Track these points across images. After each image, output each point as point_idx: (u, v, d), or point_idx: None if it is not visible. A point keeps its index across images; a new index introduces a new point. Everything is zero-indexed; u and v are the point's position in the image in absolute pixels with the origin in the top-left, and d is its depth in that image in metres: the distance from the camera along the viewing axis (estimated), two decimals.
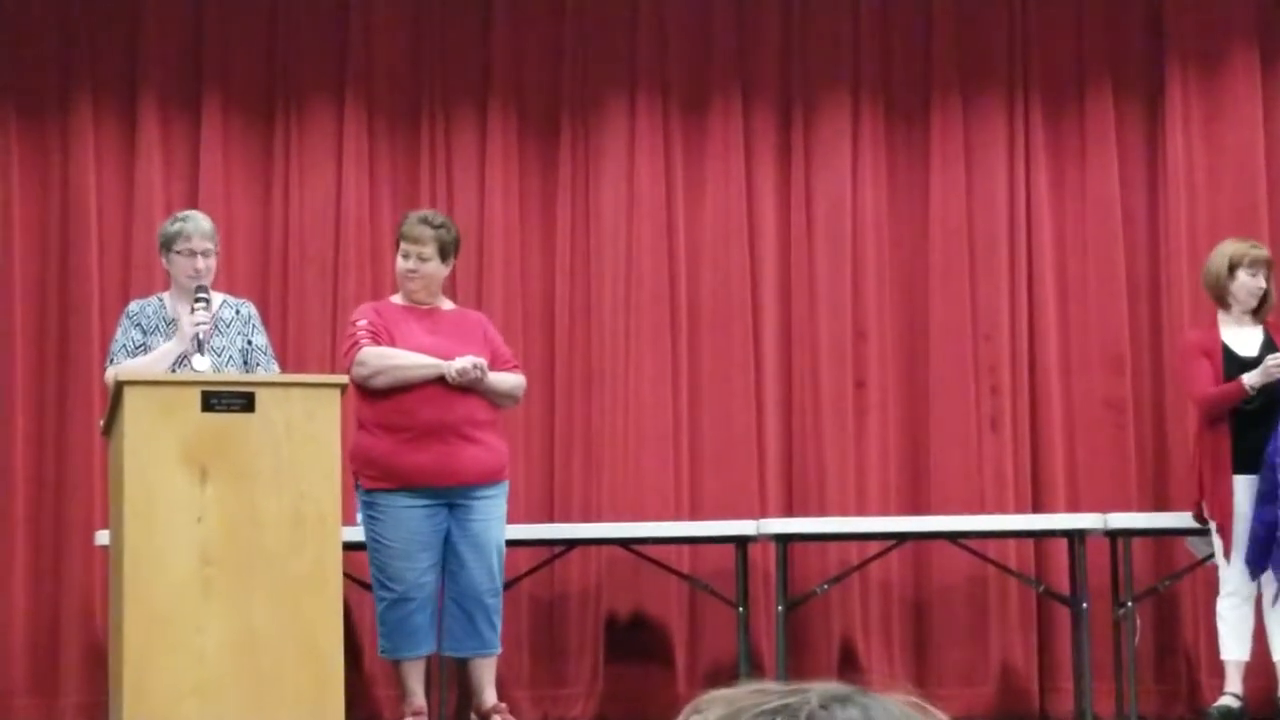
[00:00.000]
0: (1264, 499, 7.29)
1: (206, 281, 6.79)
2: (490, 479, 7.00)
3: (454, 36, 8.83)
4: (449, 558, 6.97)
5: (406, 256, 7.10)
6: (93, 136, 8.67)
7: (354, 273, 8.62)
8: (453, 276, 7.61)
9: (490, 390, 7.02)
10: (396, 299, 7.21)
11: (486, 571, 7.00)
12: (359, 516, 7.77)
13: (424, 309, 7.12)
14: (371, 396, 6.99)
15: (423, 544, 6.91)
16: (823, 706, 1.45)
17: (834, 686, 1.48)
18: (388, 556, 6.93)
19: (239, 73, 8.78)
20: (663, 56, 8.85)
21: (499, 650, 7.18)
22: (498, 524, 7.04)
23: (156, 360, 6.65)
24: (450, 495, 6.92)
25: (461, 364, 6.91)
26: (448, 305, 7.27)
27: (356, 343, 6.97)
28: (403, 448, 6.89)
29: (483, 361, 6.96)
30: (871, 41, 8.86)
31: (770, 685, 1.49)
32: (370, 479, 6.97)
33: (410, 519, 6.90)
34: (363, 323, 7.03)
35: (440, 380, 6.92)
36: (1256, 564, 7.34)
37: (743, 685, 1.50)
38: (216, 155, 8.68)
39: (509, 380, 7.15)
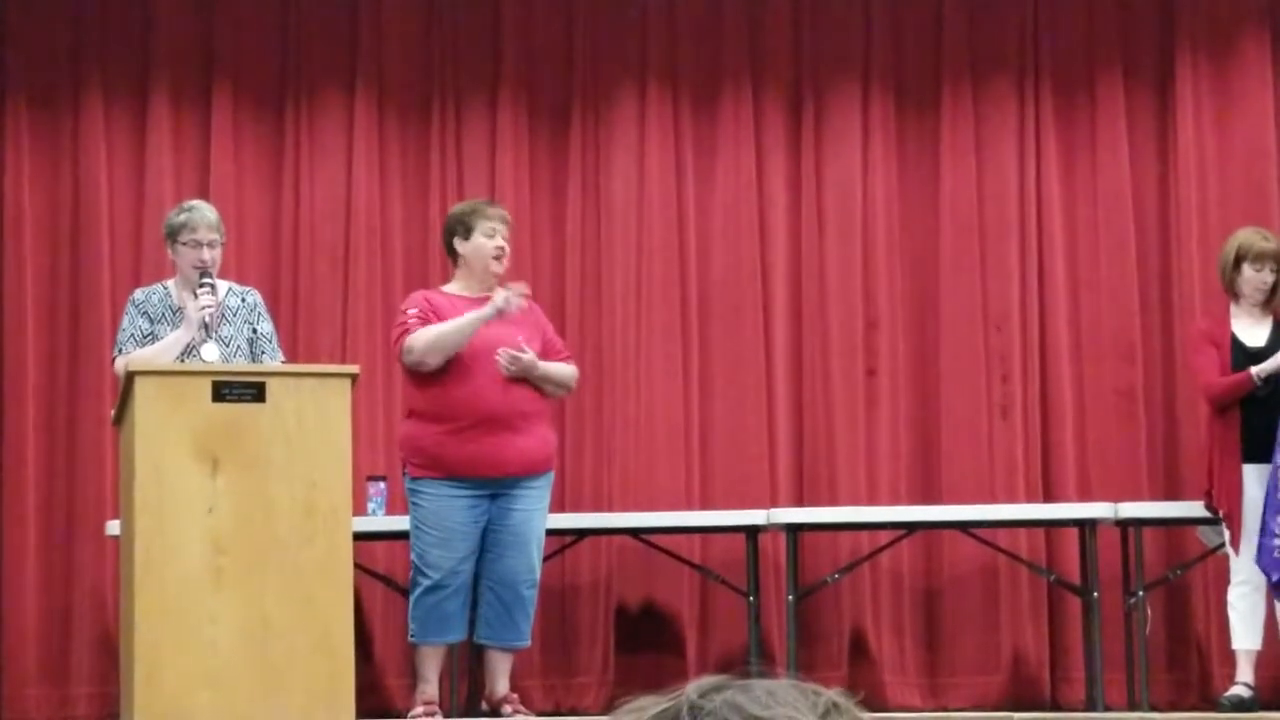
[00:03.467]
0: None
1: (214, 268, 6.80)
2: (535, 470, 7.01)
3: (464, 27, 8.83)
4: (488, 547, 6.98)
5: (492, 235, 7.07)
6: (104, 128, 8.67)
7: (364, 263, 8.62)
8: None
9: (544, 379, 7.04)
10: (450, 288, 7.22)
11: (526, 563, 7.01)
12: (369, 506, 7.80)
13: (475, 298, 7.11)
14: (420, 385, 7.01)
15: (461, 534, 6.93)
16: (701, 696, 1.50)
17: (705, 679, 1.55)
18: (427, 544, 6.95)
19: (250, 63, 8.77)
20: (673, 46, 8.85)
21: (528, 643, 7.20)
22: (540, 515, 7.05)
23: (164, 350, 6.65)
24: (494, 486, 6.93)
25: (500, 299, 6.90)
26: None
27: (406, 330, 6.99)
28: (450, 438, 6.91)
29: (524, 357, 6.94)
30: (882, 30, 8.85)
31: (645, 698, 1.54)
32: (417, 467, 7.00)
33: (451, 509, 6.91)
34: (413, 311, 7.06)
35: (488, 368, 6.91)
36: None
37: (623, 706, 1.53)
38: (227, 146, 8.68)
39: (564, 370, 7.17)
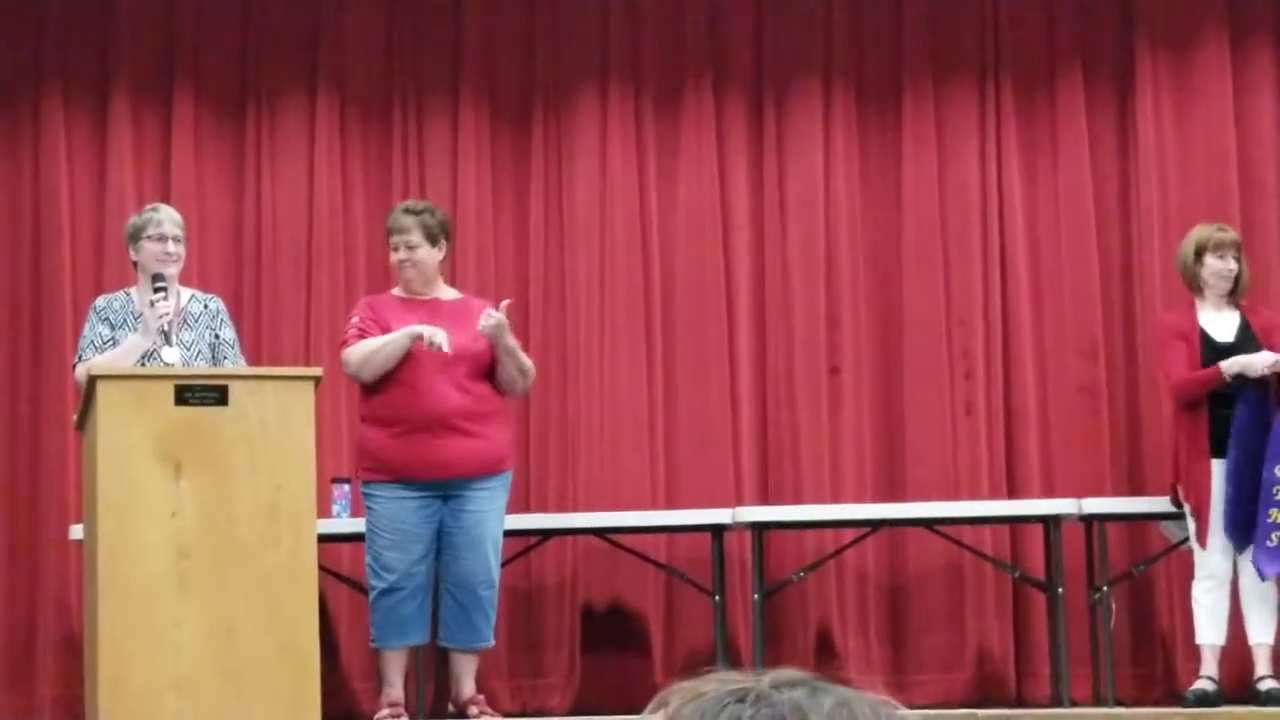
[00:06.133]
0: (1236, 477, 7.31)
1: (176, 268, 6.80)
2: (485, 472, 7.01)
3: (425, 26, 8.82)
4: (443, 549, 7.00)
5: (396, 248, 7.15)
6: (64, 131, 8.64)
7: (327, 265, 8.61)
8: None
9: (510, 352, 7.04)
10: (396, 291, 7.25)
11: (482, 564, 7.02)
12: (333, 508, 7.80)
13: (422, 299, 7.13)
14: (368, 390, 7.05)
15: (414, 535, 6.94)
16: (773, 688, 1.51)
17: (788, 672, 1.55)
18: (380, 547, 6.97)
19: (211, 66, 8.75)
20: (634, 44, 8.85)
21: (492, 643, 7.20)
22: (494, 516, 7.06)
23: (124, 354, 6.64)
24: (444, 488, 6.95)
25: (429, 334, 6.90)
26: (449, 294, 7.30)
27: (345, 343, 7.07)
28: (396, 441, 6.93)
29: (495, 317, 6.96)
30: (843, 28, 8.86)
31: (731, 674, 1.55)
32: (367, 470, 7.03)
33: (401, 510, 6.93)
34: (354, 320, 7.13)
35: (433, 371, 6.94)
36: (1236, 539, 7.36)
37: (706, 676, 1.57)
38: (188, 149, 8.66)
39: (525, 360, 7.18)
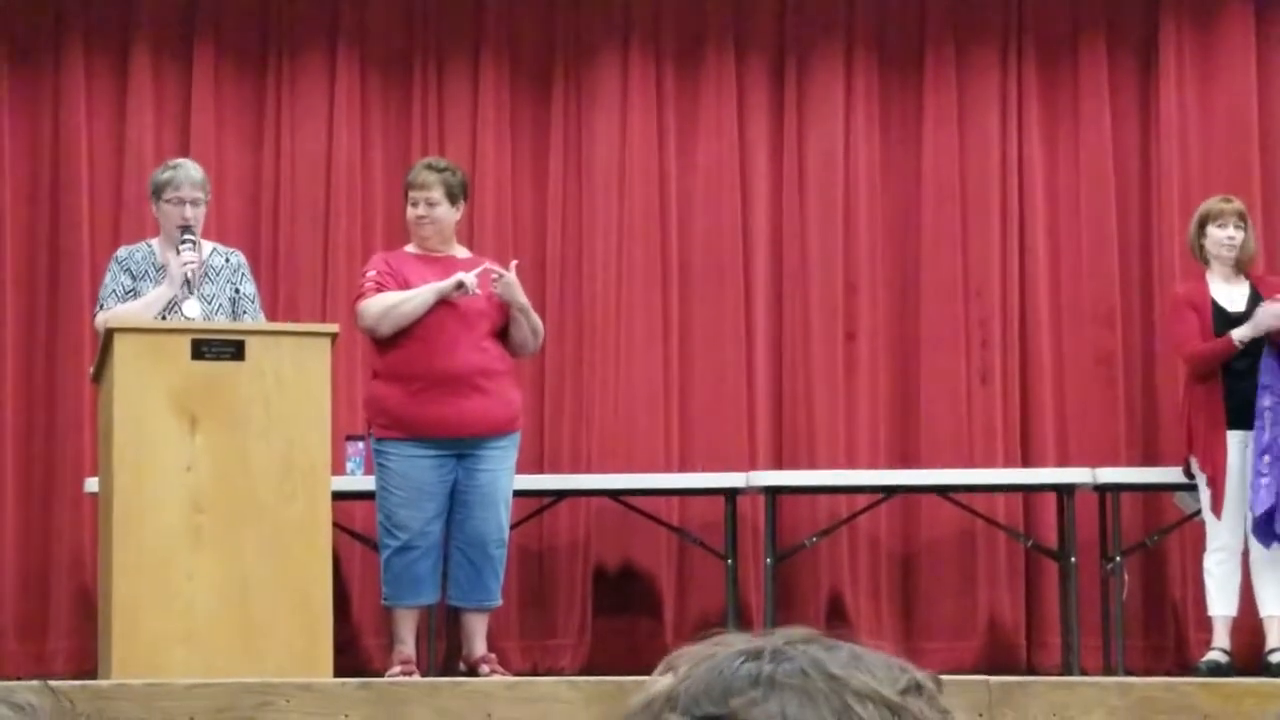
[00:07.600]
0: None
1: (198, 228, 6.78)
2: (500, 431, 7.01)
3: None
4: (456, 508, 6.99)
5: (415, 204, 7.12)
6: (85, 84, 8.64)
7: (345, 222, 8.61)
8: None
9: (524, 311, 7.03)
10: (410, 248, 7.22)
11: (494, 522, 7.02)
12: (348, 466, 7.81)
13: (437, 257, 7.12)
14: (383, 346, 7.02)
15: (428, 493, 6.92)
16: (787, 644, 1.50)
17: (797, 629, 1.55)
18: (394, 504, 6.95)
19: (231, 21, 8.74)
20: (656, 7, 8.83)
21: (500, 602, 7.22)
22: (506, 475, 7.06)
23: (146, 306, 6.64)
24: (459, 446, 6.94)
25: (466, 276, 6.91)
26: (463, 253, 7.28)
27: (362, 294, 7.02)
28: (412, 398, 6.91)
29: (507, 276, 6.96)
30: None
31: (736, 636, 1.54)
32: (381, 427, 7.02)
33: (416, 468, 6.92)
34: (371, 274, 7.07)
35: (452, 329, 6.92)
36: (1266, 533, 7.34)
37: (711, 640, 1.55)
38: (208, 104, 8.65)
39: (537, 320, 7.17)
